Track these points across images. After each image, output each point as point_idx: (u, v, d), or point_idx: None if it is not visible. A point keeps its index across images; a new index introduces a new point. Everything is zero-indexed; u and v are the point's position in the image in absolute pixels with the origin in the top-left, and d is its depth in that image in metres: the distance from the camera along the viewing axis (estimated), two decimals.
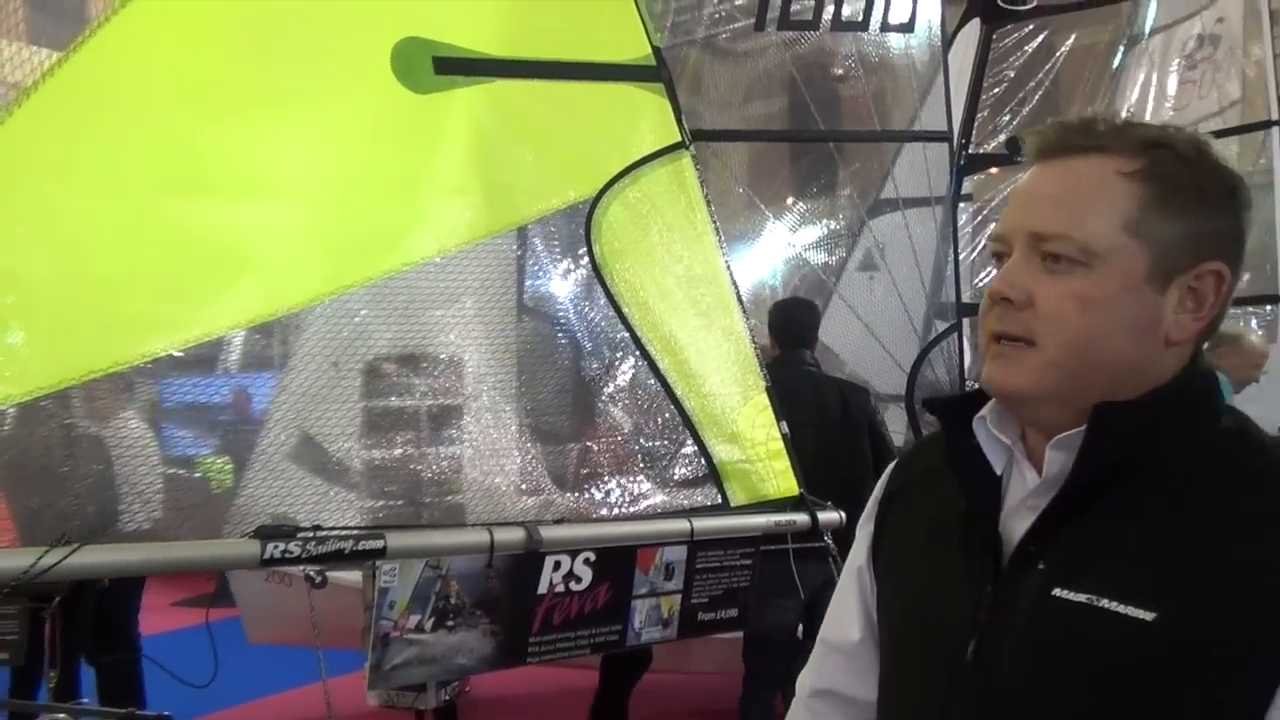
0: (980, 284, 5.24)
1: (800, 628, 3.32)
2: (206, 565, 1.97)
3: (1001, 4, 5.01)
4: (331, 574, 2.63)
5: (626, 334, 2.59)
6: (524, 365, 2.63)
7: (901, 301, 4.66)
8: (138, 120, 2.10)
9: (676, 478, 2.67)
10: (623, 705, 4.47)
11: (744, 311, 2.77)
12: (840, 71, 4.66)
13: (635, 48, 2.69)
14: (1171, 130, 1.06)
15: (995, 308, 1.04)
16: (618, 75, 2.67)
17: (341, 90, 2.36)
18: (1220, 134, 6.03)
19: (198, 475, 2.31)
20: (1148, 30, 6.73)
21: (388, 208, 2.39)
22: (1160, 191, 1.00)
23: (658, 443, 2.66)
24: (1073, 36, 6.71)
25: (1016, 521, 1.05)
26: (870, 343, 4.80)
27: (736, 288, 2.77)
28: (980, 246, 5.59)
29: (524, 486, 2.54)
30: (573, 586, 2.31)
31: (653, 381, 2.62)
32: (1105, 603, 0.95)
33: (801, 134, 5.15)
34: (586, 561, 2.32)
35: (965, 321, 4.68)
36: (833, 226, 5.23)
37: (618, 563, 2.38)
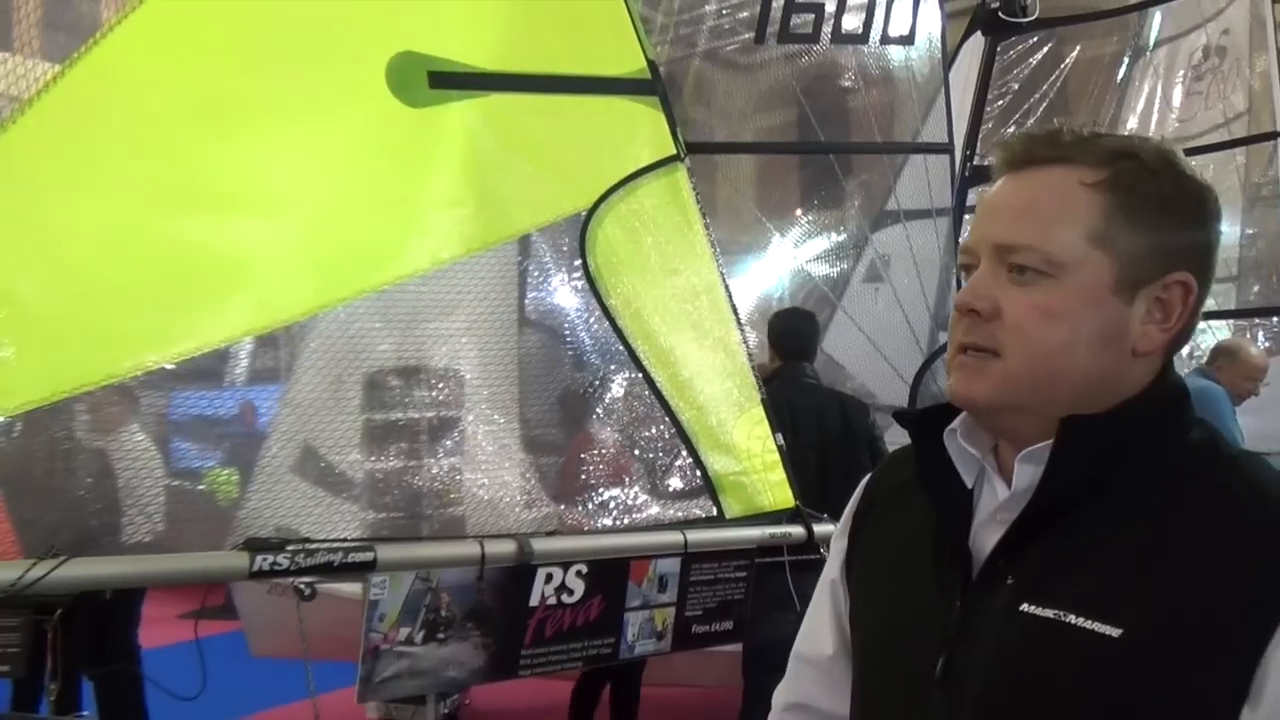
0: None
1: None
2: (196, 577, 1.97)
3: (1003, 17, 5.01)
4: (334, 586, 2.63)
5: (621, 346, 2.60)
6: (524, 377, 2.64)
7: (904, 313, 4.65)
8: (133, 133, 2.12)
9: (672, 490, 2.66)
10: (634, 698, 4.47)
11: (740, 323, 2.77)
12: (841, 84, 4.66)
13: (630, 61, 2.71)
14: (1138, 141, 1.05)
15: (963, 320, 1.04)
16: (612, 88, 2.68)
17: (337, 104, 2.38)
18: (1227, 145, 6.03)
19: (202, 487, 2.32)
20: (1152, 42, 6.73)
21: (382, 221, 2.40)
22: (1125, 202, 1.00)
23: (653, 455, 2.66)
24: (1078, 48, 6.72)
25: (986, 535, 1.04)
26: (874, 354, 4.80)
27: (732, 300, 2.77)
28: None
29: (522, 498, 2.54)
30: (565, 599, 2.31)
31: (648, 393, 2.62)
32: (1072, 618, 0.94)
33: (801, 146, 5.15)
34: (579, 574, 2.32)
35: None
36: (838, 238, 5.23)
37: (611, 575, 2.38)
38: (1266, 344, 5.90)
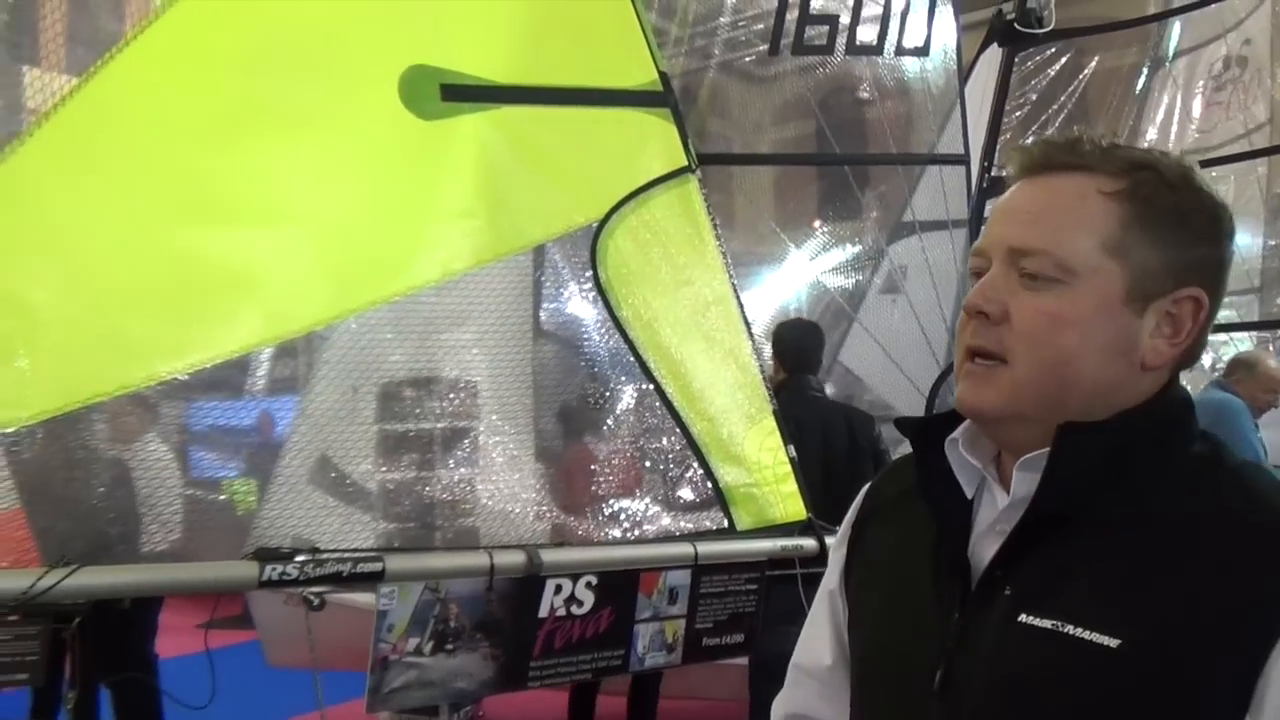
0: None
1: None
2: (205, 587, 1.98)
3: (1019, 28, 4.99)
4: (351, 597, 2.64)
5: (632, 358, 2.60)
6: (538, 388, 2.65)
7: (920, 325, 4.63)
8: (147, 145, 2.14)
9: (683, 501, 2.66)
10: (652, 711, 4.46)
11: (751, 335, 2.76)
12: (857, 96, 4.66)
13: (642, 73, 2.72)
14: (1157, 154, 1.04)
15: (971, 322, 1.03)
16: (624, 100, 2.69)
17: (350, 117, 2.40)
18: (1248, 156, 5.98)
19: (221, 497, 2.34)
20: (1172, 53, 6.69)
21: (394, 232, 2.42)
22: (1142, 213, 0.99)
23: (664, 466, 2.66)
24: (1096, 59, 6.69)
25: (986, 545, 1.04)
26: (890, 366, 4.78)
27: (743, 311, 2.77)
28: None
29: (535, 509, 2.54)
30: (574, 610, 2.31)
31: (659, 405, 2.63)
32: (1070, 629, 0.93)
33: (817, 158, 5.15)
34: (588, 585, 2.32)
35: None
36: (855, 250, 5.22)
37: (620, 587, 2.38)
38: None
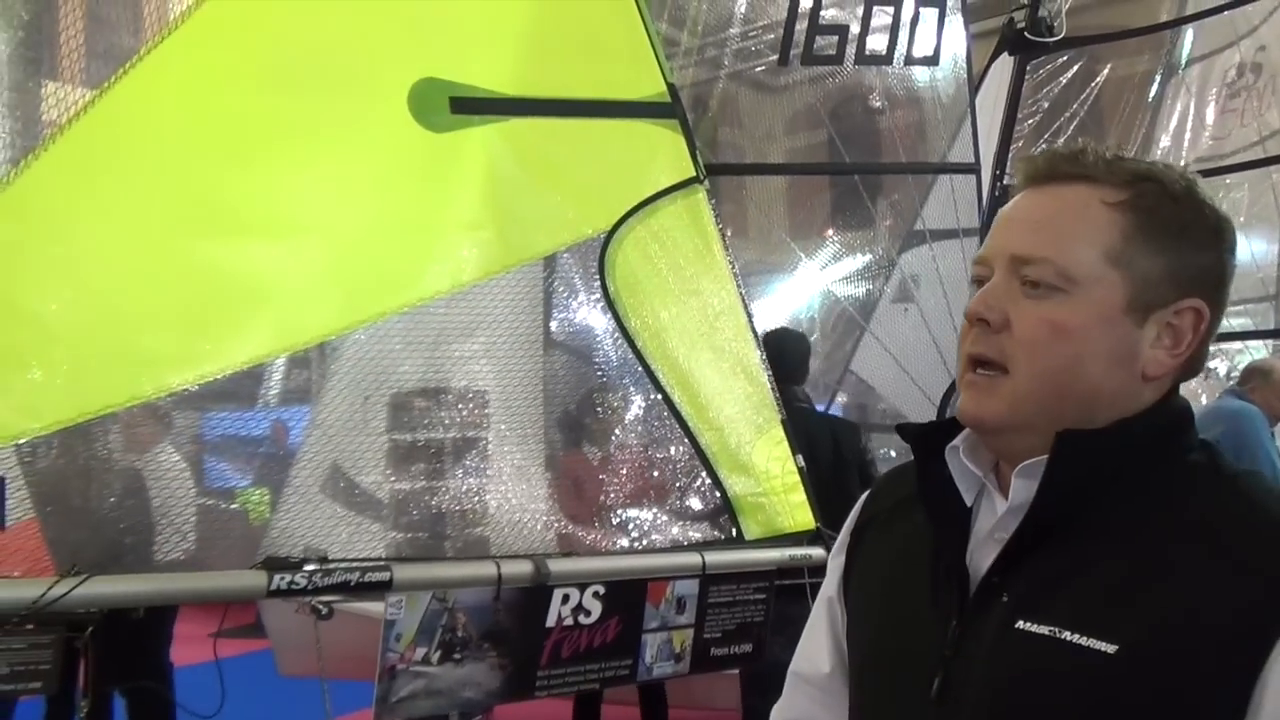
0: None
1: None
2: (215, 596, 2.00)
3: (1030, 36, 4.99)
4: (362, 606, 2.65)
5: (640, 368, 2.61)
6: (549, 398, 2.66)
7: (931, 334, 4.63)
8: (159, 158, 2.16)
9: (691, 511, 2.66)
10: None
11: (759, 344, 2.77)
12: (868, 105, 4.66)
13: (650, 85, 2.73)
14: (1161, 166, 1.05)
15: (972, 329, 1.04)
16: (632, 112, 2.70)
17: (360, 130, 2.42)
18: (1262, 163, 5.95)
19: (235, 506, 2.36)
20: (1185, 60, 6.67)
21: (403, 244, 2.43)
22: (1145, 223, 1.00)
23: (672, 476, 2.67)
24: (1109, 67, 6.67)
25: (984, 553, 1.04)
26: (902, 376, 4.78)
27: (752, 321, 2.77)
28: None
29: (543, 519, 2.55)
30: (582, 620, 2.31)
31: (667, 415, 2.63)
32: (1067, 635, 0.94)
33: (828, 167, 5.16)
34: (596, 595, 2.32)
35: None
36: (866, 259, 5.22)
37: (628, 596, 2.38)
38: None
